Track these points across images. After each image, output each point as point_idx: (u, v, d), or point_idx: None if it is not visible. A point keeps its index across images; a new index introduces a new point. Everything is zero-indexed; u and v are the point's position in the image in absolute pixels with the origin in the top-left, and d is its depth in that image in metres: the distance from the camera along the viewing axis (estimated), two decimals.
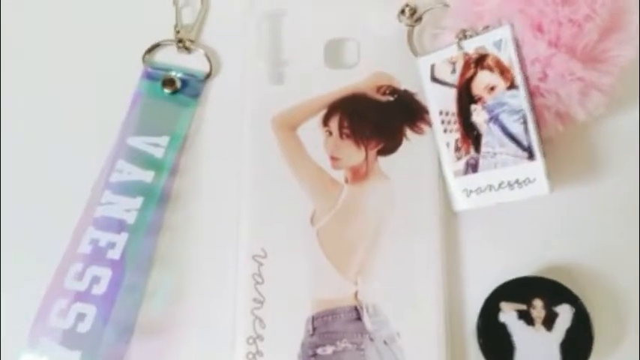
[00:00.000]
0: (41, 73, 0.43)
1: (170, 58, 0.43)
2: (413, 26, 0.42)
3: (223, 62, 0.43)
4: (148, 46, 0.43)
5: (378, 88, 0.41)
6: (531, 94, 0.37)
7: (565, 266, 0.39)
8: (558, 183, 0.37)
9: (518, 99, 0.37)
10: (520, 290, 0.37)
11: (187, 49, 0.43)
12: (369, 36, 0.42)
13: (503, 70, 0.38)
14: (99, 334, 0.37)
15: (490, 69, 0.38)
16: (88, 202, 0.40)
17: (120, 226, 0.39)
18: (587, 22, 0.37)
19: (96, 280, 0.38)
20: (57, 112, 0.42)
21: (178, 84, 0.42)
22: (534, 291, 0.37)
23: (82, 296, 0.37)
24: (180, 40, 0.43)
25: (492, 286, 0.38)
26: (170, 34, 0.43)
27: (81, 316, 0.37)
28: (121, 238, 0.39)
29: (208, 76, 0.43)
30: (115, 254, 0.38)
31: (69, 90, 0.43)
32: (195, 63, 0.43)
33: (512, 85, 0.37)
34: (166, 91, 0.42)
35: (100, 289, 0.38)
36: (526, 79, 0.37)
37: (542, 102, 0.38)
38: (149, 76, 0.43)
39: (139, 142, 0.41)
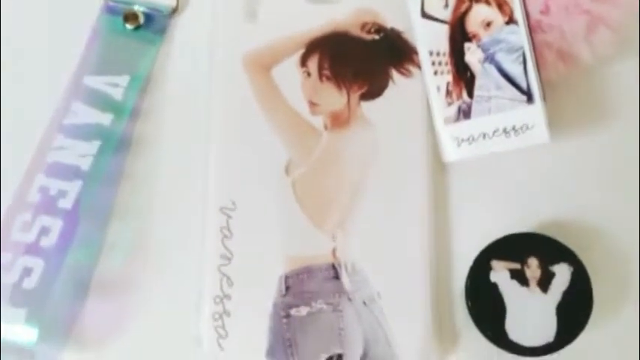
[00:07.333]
0: None
1: None
2: None
3: None
4: None
5: (362, 26, 0.39)
6: (531, 30, 0.36)
7: (564, 222, 0.38)
8: (558, 131, 0.36)
9: (517, 35, 0.36)
10: (514, 247, 0.36)
11: None
12: None
13: (501, 3, 0.36)
14: (46, 290, 0.35)
15: (487, 2, 0.37)
16: (38, 147, 0.38)
17: (73, 172, 0.37)
18: None
19: (45, 231, 0.36)
20: (6, 48, 0.40)
21: (142, 19, 0.40)
22: (529, 248, 0.36)
23: (30, 249, 0.36)
24: None
25: (483, 243, 0.36)
26: None
27: (27, 271, 0.35)
28: (74, 186, 0.37)
29: (175, 10, 0.41)
30: (66, 203, 0.36)
31: (20, 24, 0.40)
32: None
33: (510, 20, 0.36)
34: (128, 26, 0.40)
35: (49, 241, 0.36)
36: (526, 12, 0.36)
37: (543, 38, 0.36)
38: (110, 10, 0.41)
39: (97, 82, 0.39)
